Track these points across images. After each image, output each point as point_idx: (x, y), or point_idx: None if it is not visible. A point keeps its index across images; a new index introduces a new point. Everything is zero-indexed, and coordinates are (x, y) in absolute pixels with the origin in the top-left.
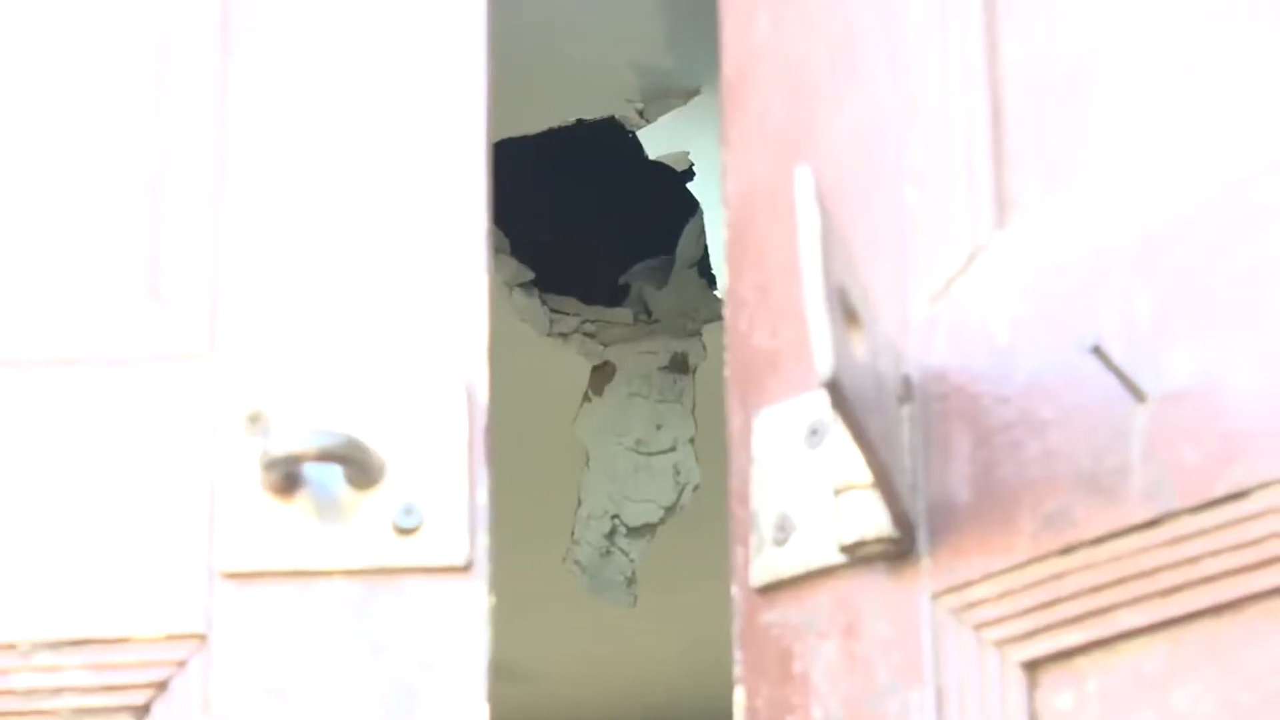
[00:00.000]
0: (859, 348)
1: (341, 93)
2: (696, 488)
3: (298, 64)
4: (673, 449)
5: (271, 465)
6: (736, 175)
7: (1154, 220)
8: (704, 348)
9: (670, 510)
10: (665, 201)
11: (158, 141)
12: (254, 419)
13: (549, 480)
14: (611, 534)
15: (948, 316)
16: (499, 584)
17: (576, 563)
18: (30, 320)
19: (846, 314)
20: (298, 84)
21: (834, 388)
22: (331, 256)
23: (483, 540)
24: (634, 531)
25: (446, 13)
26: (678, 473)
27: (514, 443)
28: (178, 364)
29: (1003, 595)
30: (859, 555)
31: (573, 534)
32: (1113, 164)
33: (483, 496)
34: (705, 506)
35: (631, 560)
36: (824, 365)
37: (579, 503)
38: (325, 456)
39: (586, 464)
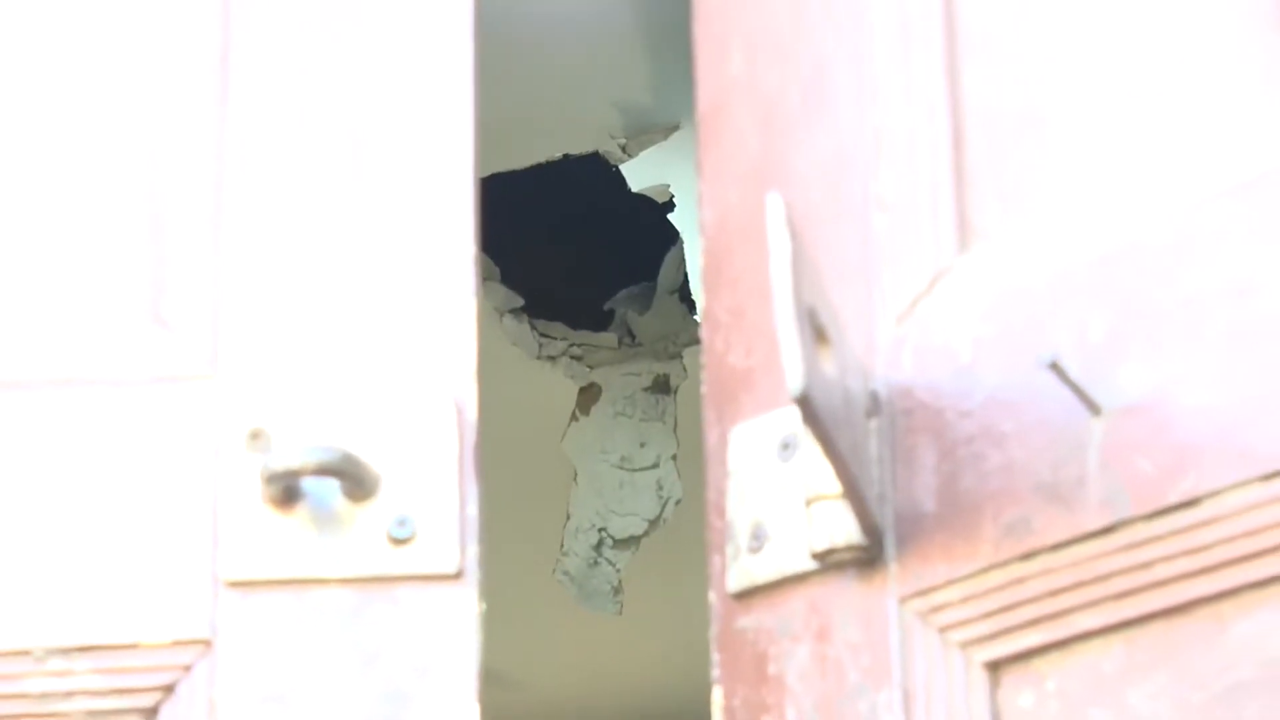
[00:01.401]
0: (828, 366)
1: (335, 130)
2: (678, 502)
3: (293, 104)
4: (656, 465)
5: (272, 479)
6: (712, 204)
7: (1107, 245)
8: (685, 369)
9: (654, 523)
10: (647, 231)
11: (160, 177)
12: (255, 436)
13: (539, 495)
14: (598, 546)
15: (913, 336)
16: (491, 595)
17: (565, 573)
18: (43, 345)
19: (816, 334)
20: (293, 123)
21: (805, 403)
22: (327, 283)
23: (473, 550)
24: (620, 543)
25: (435, 56)
26: (660, 488)
27: (506, 460)
28: (182, 385)
29: (966, 599)
30: (830, 562)
31: (562, 546)
32: (1068, 192)
33: (473, 508)
34: (687, 520)
35: (617, 570)
36: (795, 382)
37: (567, 516)
38: (323, 471)
39: (574, 480)
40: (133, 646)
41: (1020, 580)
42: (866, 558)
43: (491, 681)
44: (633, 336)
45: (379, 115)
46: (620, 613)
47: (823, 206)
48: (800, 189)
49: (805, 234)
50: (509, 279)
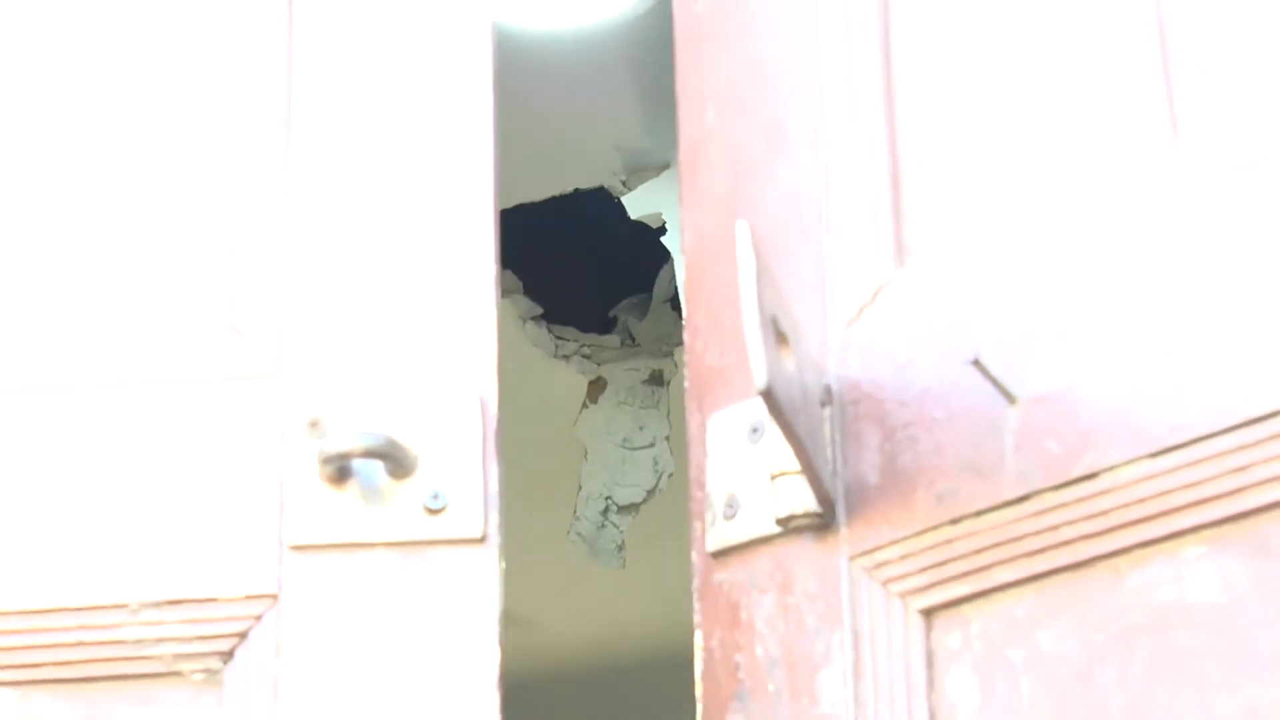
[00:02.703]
0: (789, 364)
1: (379, 173)
2: (671, 475)
3: (344, 150)
4: (652, 445)
5: (327, 461)
6: (691, 230)
7: (1019, 261)
8: (676, 365)
9: (651, 493)
10: (644, 251)
11: (237, 212)
12: (313, 425)
13: (557, 470)
14: (605, 511)
15: (859, 338)
16: (516, 552)
17: (578, 534)
18: (142, 351)
19: (778, 337)
20: (344, 165)
21: (769, 396)
22: (372, 297)
23: (494, 518)
24: (623, 509)
25: (461, 111)
26: (656, 463)
27: (530, 441)
28: (253, 383)
29: (904, 557)
30: (791, 527)
31: (575, 512)
32: (987, 217)
33: (494, 484)
34: (678, 490)
35: (621, 532)
36: (760, 378)
37: (579, 487)
38: (370, 453)
39: (585, 457)
40: (212, 600)
41: (949, 541)
42: (821, 523)
43: (516, 623)
44: (633, 338)
45: (415, 161)
46: (623, 567)
47: (783, 231)
48: (764, 217)
49: (768, 254)
50: (530, 291)
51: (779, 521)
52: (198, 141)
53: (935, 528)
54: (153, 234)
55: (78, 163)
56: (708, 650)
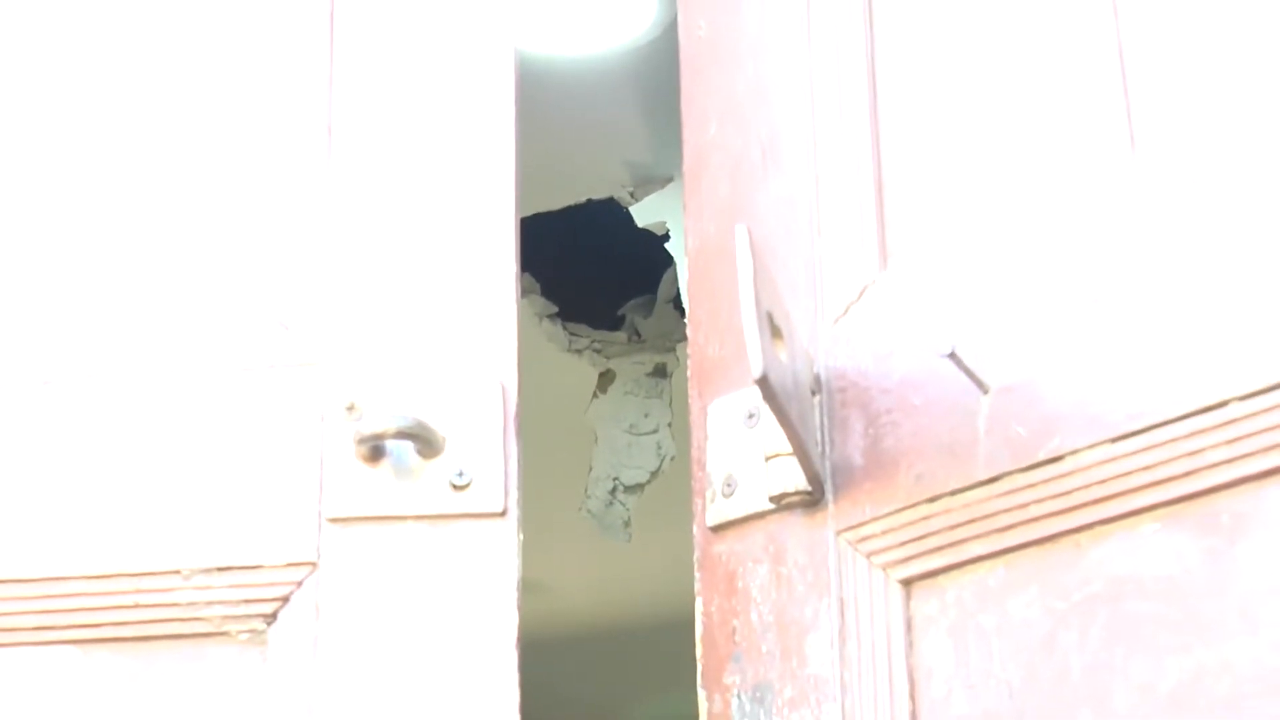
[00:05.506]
0: (782, 355)
1: (412, 185)
2: (673, 458)
3: (381, 164)
4: (656, 431)
5: (363, 441)
6: (694, 234)
7: (992, 265)
8: (678, 359)
9: (654, 474)
10: (650, 256)
11: (285, 225)
12: (350, 408)
13: (570, 453)
14: (613, 491)
15: (846, 332)
16: (533, 527)
17: (589, 511)
18: (201, 344)
19: (773, 331)
20: (380, 180)
21: (764, 384)
22: (405, 295)
23: (514, 494)
24: (629, 489)
25: (486, 132)
26: (659, 448)
27: (545, 427)
28: (298, 370)
29: (886, 532)
30: (783, 504)
31: (586, 491)
32: (961, 223)
33: (513, 464)
34: (679, 471)
35: (627, 509)
36: (756, 368)
37: (590, 469)
38: (401, 435)
39: (595, 441)
40: (257, 567)
41: (926, 518)
42: (811, 500)
43: (532, 590)
44: (639, 335)
45: (444, 174)
46: (629, 540)
47: (778, 235)
48: (761, 222)
49: (765, 256)
50: (547, 292)
51: (772, 499)
52: (251, 160)
53: (914, 505)
54: (213, 242)
55: (154, 184)
56: (707, 615)
